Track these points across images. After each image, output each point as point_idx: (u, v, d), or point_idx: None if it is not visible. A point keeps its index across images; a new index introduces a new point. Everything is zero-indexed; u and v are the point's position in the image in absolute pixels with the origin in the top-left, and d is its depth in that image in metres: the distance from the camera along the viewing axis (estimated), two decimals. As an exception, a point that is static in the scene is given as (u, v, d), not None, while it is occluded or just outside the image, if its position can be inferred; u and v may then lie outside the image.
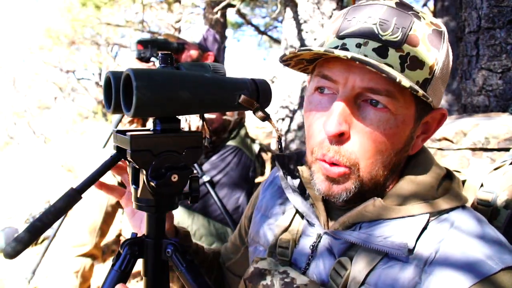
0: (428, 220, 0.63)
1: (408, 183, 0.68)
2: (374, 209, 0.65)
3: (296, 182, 0.79)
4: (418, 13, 0.64)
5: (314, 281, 0.68)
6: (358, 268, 0.63)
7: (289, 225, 0.77)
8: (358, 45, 0.61)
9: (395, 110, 0.62)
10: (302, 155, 0.84)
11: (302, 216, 0.77)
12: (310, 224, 0.75)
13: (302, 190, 0.78)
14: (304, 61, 0.69)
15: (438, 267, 0.59)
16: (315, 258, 0.72)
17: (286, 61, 0.69)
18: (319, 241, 0.72)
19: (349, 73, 0.62)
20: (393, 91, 0.60)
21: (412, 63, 0.61)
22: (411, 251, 0.61)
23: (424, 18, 0.64)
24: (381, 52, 0.60)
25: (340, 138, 0.63)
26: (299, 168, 0.77)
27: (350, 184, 0.65)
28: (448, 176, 0.72)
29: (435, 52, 0.63)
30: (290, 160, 0.82)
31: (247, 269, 0.76)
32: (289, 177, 0.79)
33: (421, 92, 0.58)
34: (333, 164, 0.64)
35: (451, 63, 0.68)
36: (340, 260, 0.66)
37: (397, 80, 0.56)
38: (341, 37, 0.64)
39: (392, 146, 0.64)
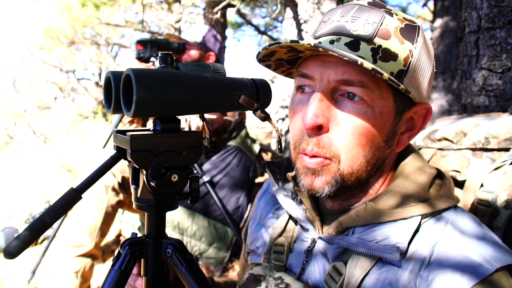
0: (420, 222, 0.63)
1: (399, 185, 0.68)
2: (365, 213, 0.65)
3: (288, 188, 0.79)
4: (391, 10, 0.66)
5: (309, 286, 0.68)
6: (352, 273, 0.63)
7: (283, 230, 0.77)
8: (331, 42, 0.63)
9: (371, 101, 0.63)
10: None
11: (296, 222, 0.77)
12: (304, 229, 0.75)
13: (294, 196, 0.78)
14: (283, 62, 0.71)
15: (434, 271, 0.59)
16: (310, 262, 0.71)
17: (264, 61, 0.71)
18: (314, 246, 0.72)
19: (323, 68, 0.64)
20: (366, 82, 0.62)
21: (384, 54, 0.62)
22: (403, 254, 0.61)
23: (396, 15, 0.65)
24: (353, 46, 0.62)
25: (318, 131, 0.64)
26: (290, 174, 0.77)
27: (330, 178, 0.65)
28: (439, 176, 0.72)
29: (409, 45, 0.64)
30: (281, 166, 0.82)
31: (243, 275, 0.75)
32: (280, 183, 0.79)
33: (386, 75, 0.58)
34: (313, 156, 0.65)
35: (432, 56, 0.69)
36: (334, 265, 0.66)
37: (359, 63, 0.57)
38: (317, 37, 0.66)
39: (373, 139, 0.64)
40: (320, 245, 0.71)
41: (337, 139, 0.63)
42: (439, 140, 1.01)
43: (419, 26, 0.66)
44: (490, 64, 1.29)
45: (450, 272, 0.57)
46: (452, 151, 0.97)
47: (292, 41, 0.61)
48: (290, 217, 0.77)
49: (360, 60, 0.57)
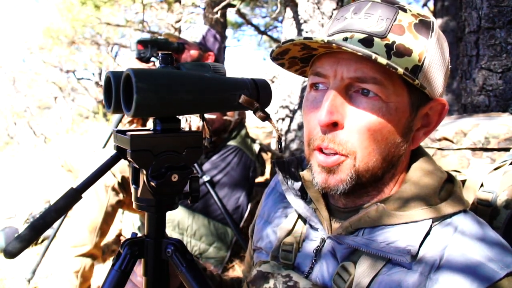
0: (431, 225, 0.63)
1: (410, 188, 0.67)
2: (376, 214, 0.65)
3: (297, 186, 0.79)
4: (404, 6, 0.65)
5: (318, 285, 0.68)
6: (362, 273, 0.63)
7: (292, 229, 0.77)
8: (345, 39, 0.63)
9: (386, 97, 0.62)
10: (302, 160, 0.84)
11: (305, 221, 0.76)
12: (313, 228, 0.74)
13: (303, 196, 0.78)
14: (297, 60, 0.71)
15: (444, 274, 0.58)
16: (318, 262, 0.71)
17: (278, 59, 0.70)
18: (323, 245, 0.71)
19: (337, 65, 0.63)
20: (380, 79, 0.61)
21: (398, 50, 0.62)
22: (414, 257, 0.60)
23: (410, 10, 0.65)
24: (367, 42, 0.62)
25: (333, 127, 0.63)
26: (300, 173, 0.77)
27: (345, 176, 0.65)
28: (450, 179, 0.72)
29: (424, 40, 0.64)
30: (290, 165, 0.82)
31: (250, 272, 0.75)
32: (289, 182, 0.79)
33: (400, 70, 0.58)
34: (328, 154, 0.65)
35: (446, 52, 0.69)
36: (343, 265, 0.66)
37: (373, 58, 0.57)
38: (330, 35, 0.66)
39: (388, 135, 0.64)
40: (329, 244, 0.70)
41: (353, 135, 0.63)
42: (439, 140, 1.01)
43: (433, 22, 0.66)
44: (490, 64, 1.29)
45: (460, 275, 0.57)
46: (452, 151, 0.97)
47: (305, 38, 0.60)
48: (299, 216, 0.77)
49: (374, 55, 0.57)
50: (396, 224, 0.64)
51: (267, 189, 0.92)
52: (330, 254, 0.70)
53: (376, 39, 0.62)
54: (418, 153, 0.73)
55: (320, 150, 0.66)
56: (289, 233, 0.76)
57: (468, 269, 0.57)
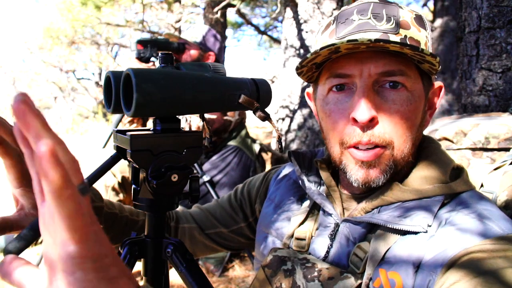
0: (443, 201, 0.67)
1: (424, 168, 0.71)
2: (392, 192, 0.69)
3: (311, 177, 0.82)
4: (397, 3, 0.71)
5: (334, 266, 0.69)
6: (376, 247, 0.66)
7: (306, 217, 0.79)
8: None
9: (411, 86, 0.67)
10: (316, 153, 0.88)
11: (319, 208, 0.79)
12: (327, 214, 0.76)
13: (317, 185, 0.82)
14: (314, 66, 0.72)
15: (450, 229, 0.62)
16: (333, 246, 0.73)
17: (303, 66, 0.71)
18: (337, 230, 0.74)
19: (362, 64, 0.66)
20: (405, 70, 0.66)
21: (411, 43, 0.67)
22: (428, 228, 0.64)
23: (404, 7, 0.71)
24: (384, 39, 0.64)
25: (371, 123, 0.66)
26: (315, 159, 0.81)
27: (384, 166, 0.68)
28: (456, 167, 0.76)
29: (424, 32, 0.70)
30: (305, 157, 0.86)
31: (265, 258, 0.76)
32: (304, 172, 0.82)
33: (430, 56, 0.63)
34: (367, 149, 0.67)
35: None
36: (359, 245, 0.68)
37: (421, 48, 0.61)
38: (340, 38, 0.68)
39: (415, 122, 0.69)
40: (343, 229, 0.72)
41: (388, 127, 0.67)
42: (439, 140, 1.01)
43: (423, 15, 0.72)
44: (490, 64, 1.29)
45: (464, 231, 0.61)
46: (452, 151, 0.97)
47: (349, 41, 0.62)
48: (313, 204, 0.79)
49: (421, 47, 0.61)
50: (410, 200, 0.68)
51: (277, 174, 0.93)
52: (345, 237, 0.72)
53: (391, 35, 0.66)
54: (425, 139, 0.77)
55: (355, 147, 0.68)
56: (303, 222, 0.78)
57: (473, 226, 0.62)
